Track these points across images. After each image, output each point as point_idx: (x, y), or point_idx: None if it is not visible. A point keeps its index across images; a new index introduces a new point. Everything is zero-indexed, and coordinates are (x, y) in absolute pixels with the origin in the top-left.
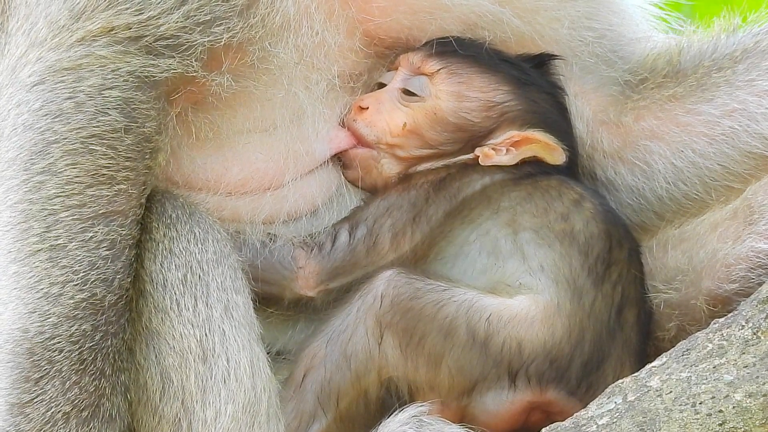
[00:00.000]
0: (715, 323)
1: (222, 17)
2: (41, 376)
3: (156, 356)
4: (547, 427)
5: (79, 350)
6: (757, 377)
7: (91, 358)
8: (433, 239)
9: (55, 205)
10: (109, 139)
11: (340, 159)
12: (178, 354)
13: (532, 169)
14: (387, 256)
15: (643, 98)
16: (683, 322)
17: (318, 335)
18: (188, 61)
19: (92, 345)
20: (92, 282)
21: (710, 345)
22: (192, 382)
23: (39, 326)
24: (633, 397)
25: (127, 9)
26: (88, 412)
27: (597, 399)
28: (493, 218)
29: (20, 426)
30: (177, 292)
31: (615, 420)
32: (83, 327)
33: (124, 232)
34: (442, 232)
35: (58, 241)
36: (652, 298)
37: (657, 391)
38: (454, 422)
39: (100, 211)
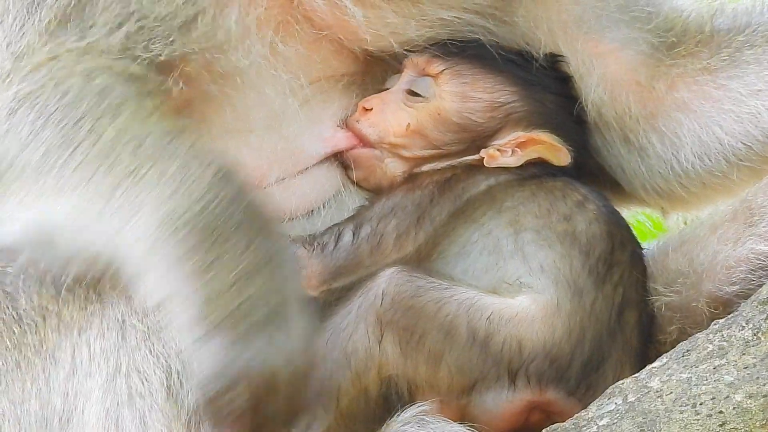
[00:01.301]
0: (715, 324)
1: (161, 35)
2: (215, 240)
3: None
4: (548, 428)
5: (234, 212)
6: (758, 378)
7: (248, 217)
8: (437, 239)
9: (126, 137)
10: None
11: (340, 160)
12: None
13: (537, 171)
14: (390, 257)
15: (676, 65)
16: (685, 324)
17: (319, 333)
18: (138, 68)
19: (243, 207)
20: (211, 161)
21: (710, 346)
22: None
23: (187, 202)
24: (633, 398)
25: (67, 39)
26: (273, 264)
27: (597, 400)
28: (495, 218)
29: (210, 285)
30: None
31: (615, 421)
32: (225, 193)
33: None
34: (445, 231)
35: (155, 153)
36: (653, 300)
37: (657, 392)
38: (454, 421)
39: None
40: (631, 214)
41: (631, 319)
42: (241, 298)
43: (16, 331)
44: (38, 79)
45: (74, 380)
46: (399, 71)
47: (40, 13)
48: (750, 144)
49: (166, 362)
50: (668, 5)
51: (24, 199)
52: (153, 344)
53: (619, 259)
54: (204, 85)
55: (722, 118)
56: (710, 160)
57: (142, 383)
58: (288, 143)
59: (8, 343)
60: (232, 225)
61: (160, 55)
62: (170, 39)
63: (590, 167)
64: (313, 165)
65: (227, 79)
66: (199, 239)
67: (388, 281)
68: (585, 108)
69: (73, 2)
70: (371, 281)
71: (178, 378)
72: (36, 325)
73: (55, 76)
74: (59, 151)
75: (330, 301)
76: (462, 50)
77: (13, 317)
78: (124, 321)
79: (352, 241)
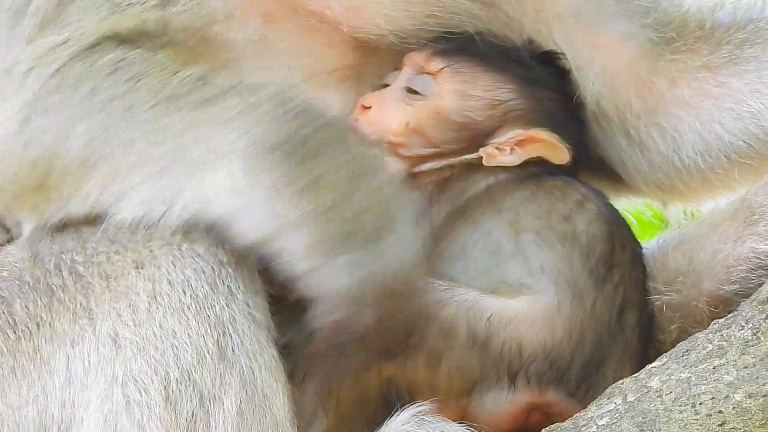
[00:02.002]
0: (714, 324)
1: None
2: (304, 160)
3: None
4: (547, 428)
5: (312, 128)
6: (757, 378)
7: (326, 129)
8: (436, 239)
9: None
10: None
11: None
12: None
13: (536, 170)
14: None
15: (675, 61)
16: (685, 324)
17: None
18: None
19: (319, 122)
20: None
21: (710, 345)
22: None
23: (260, 130)
24: (633, 398)
25: (46, 39)
26: (368, 173)
27: (597, 399)
28: (495, 218)
29: (314, 207)
30: None
31: (615, 420)
32: (292, 110)
33: None
34: (445, 231)
35: None
36: (653, 300)
37: (657, 391)
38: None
39: None
40: (631, 203)
41: (631, 320)
42: (348, 212)
43: (11, 337)
44: (35, 82)
45: (71, 390)
46: (397, 68)
47: (23, 23)
48: (750, 142)
49: (164, 370)
50: None
51: (93, 187)
52: (149, 353)
53: (620, 260)
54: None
55: (722, 116)
56: (711, 157)
57: (140, 392)
58: None
59: (3, 348)
60: (317, 142)
61: (147, 17)
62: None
63: (589, 160)
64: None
65: (215, 59)
66: (288, 164)
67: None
68: (583, 100)
69: (50, 7)
70: None
71: (177, 386)
72: (30, 332)
73: (54, 72)
74: (97, 138)
75: None
76: (461, 48)
77: (8, 322)
78: (117, 333)
79: None
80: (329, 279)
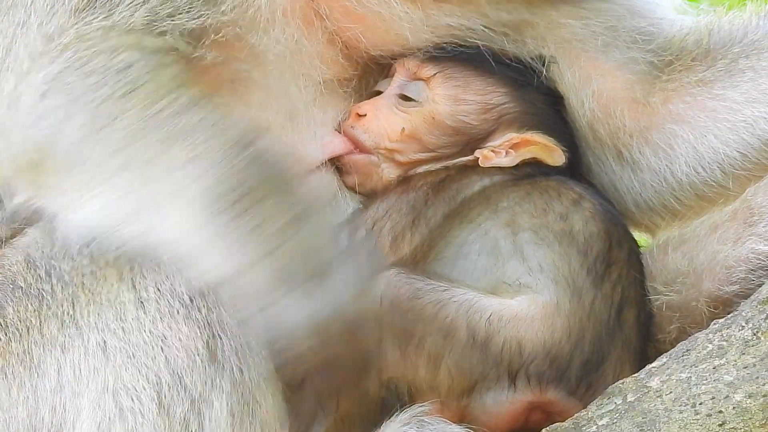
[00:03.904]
0: (715, 324)
1: (186, 8)
2: (250, 207)
3: None
4: (547, 428)
5: (262, 173)
6: (757, 378)
7: (274, 175)
8: (433, 240)
9: (145, 117)
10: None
11: (336, 165)
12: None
13: (531, 171)
14: (386, 259)
15: (672, 80)
16: (684, 324)
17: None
18: (167, 39)
19: (269, 167)
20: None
21: (710, 345)
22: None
23: (218, 175)
24: (633, 398)
25: (94, 18)
26: (306, 216)
27: (597, 399)
28: (492, 218)
29: (262, 250)
30: None
31: (615, 420)
32: (249, 157)
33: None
34: (441, 233)
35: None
36: (653, 300)
37: (657, 391)
38: (454, 422)
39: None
40: None
41: (630, 318)
42: (292, 253)
43: (2, 339)
44: (65, 60)
45: (62, 395)
46: (388, 75)
47: None
48: (746, 152)
49: (156, 376)
50: (668, 24)
51: (59, 195)
52: (139, 360)
53: (617, 258)
54: (234, 62)
55: (717, 127)
56: (705, 171)
57: (132, 399)
58: (294, 147)
59: None
60: (264, 188)
61: (187, 25)
62: (196, 10)
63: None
64: (312, 170)
65: (256, 61)
66: (238, 209)
67: (386, 283)
68: (577, 126)
69: None
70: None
71: (169, 391)
72: (20, 335)
73: (81, 56)
74: (86, 138)
75: None
76: (452, 53)
77: (0, 325)
78: (105, 342)
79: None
80: (283, 316)
